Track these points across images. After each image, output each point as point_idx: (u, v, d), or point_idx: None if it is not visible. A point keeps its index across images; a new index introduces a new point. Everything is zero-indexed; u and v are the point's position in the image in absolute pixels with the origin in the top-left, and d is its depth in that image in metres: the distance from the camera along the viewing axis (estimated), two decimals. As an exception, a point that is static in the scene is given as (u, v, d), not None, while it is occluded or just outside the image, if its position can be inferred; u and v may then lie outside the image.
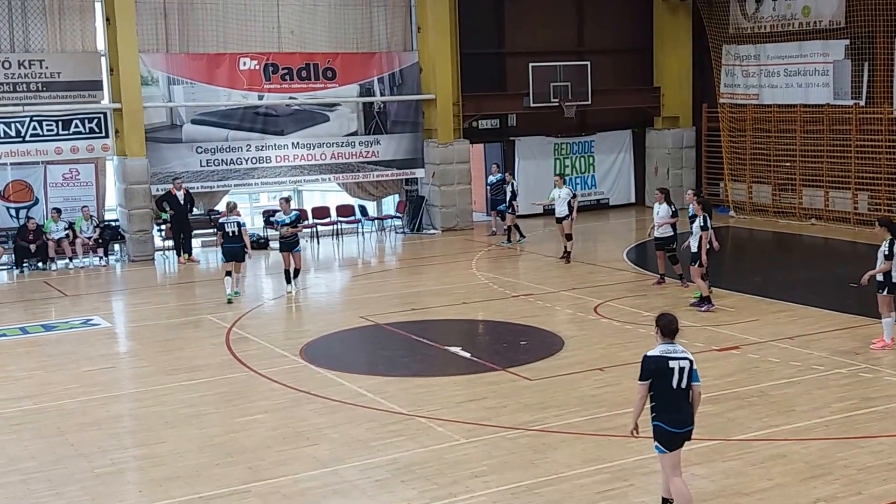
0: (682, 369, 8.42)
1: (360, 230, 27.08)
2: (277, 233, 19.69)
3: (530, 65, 27.55)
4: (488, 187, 26.86)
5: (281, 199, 19.98)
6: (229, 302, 18.37)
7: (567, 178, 24.72)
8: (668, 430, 8.46)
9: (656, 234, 18.75)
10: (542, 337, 15.52)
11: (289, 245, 19.21)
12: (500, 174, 26.12)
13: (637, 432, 8.69)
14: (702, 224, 16.89)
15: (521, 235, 24.49)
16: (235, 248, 18.58)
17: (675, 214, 18.64)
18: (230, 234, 18.53)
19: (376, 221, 27.57)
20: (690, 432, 8.60)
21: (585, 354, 14.47)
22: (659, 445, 8.57)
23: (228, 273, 18.72)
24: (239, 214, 18.99)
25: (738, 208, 28.29)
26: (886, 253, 13.78)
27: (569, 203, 21.55)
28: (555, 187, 22.32)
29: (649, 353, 8.56)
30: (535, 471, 9.98)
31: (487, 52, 28.15)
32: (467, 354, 14.57)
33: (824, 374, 13.04)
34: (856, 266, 21.23)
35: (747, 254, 24.36)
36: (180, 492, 9.82)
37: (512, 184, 25.00)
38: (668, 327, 8.52)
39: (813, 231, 25.12)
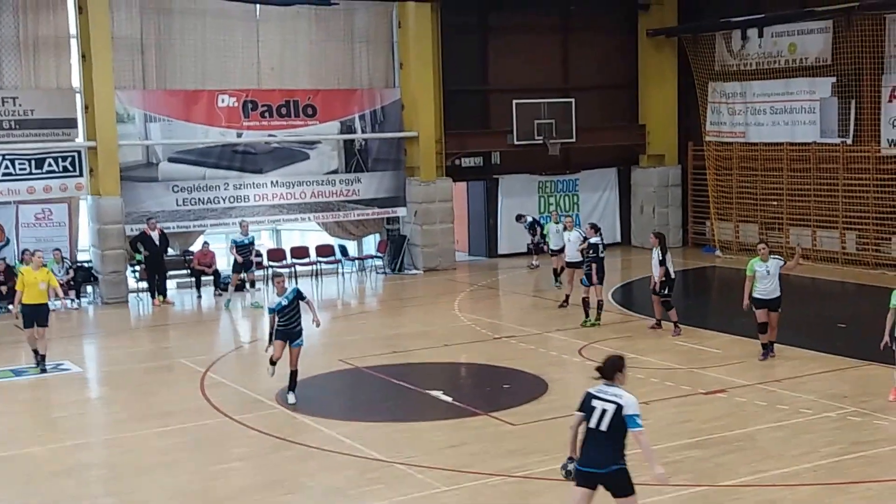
0: (604, 411, 8.18)
1: (339, 270, 26.74)
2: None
3: (514, 102, 27.39)
4: (528, 230, 26.82)
5: (277, 277, 14.89)
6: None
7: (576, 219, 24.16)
8: (577, 465, 8.30)
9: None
10: (525, 380, 15.26)
11: (286, 335, 14.32)
12: (530, 219, 26.72)
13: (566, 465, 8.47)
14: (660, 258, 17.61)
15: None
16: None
17: (662, 262, 18.07)
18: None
19: (357, 261, 27.27)
20: (597, 476, 8.18)
21: (570, 398, 14.03)
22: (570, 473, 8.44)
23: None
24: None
25: (725, 247, 28.08)
26: None
27: (583, 252, 19.47)
28: (564, 229, 21.29)
29: (589, 388, 8.43)
30: (518, 520, 9.74)
31: (471, 89, 28.00)
32: (449, 398, 14.33)
33: (812, 418, 12.83)
34: (844, 307, 21.19)
35: (734, 295, 24.00)
36: (152, 542, 9.50)
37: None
38: (602, 367, 8.43)
39: (801, 271, 24.88)
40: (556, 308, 20.59)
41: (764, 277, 15.72)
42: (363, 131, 26.37)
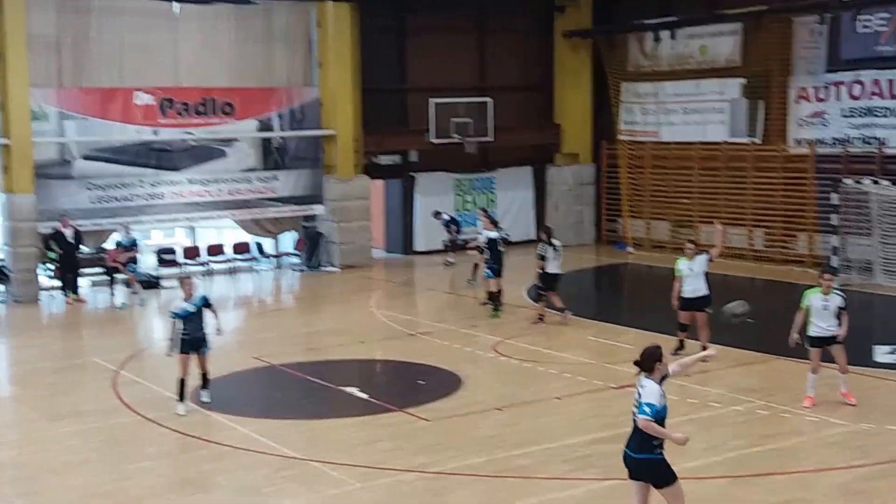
0: (636, 400, 8.48)
1: (256, 268, 26.57)
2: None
3: (432, 101, 27.51)
4: (445, 227, 26.81)
5: (185, 280, 14.21)
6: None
7: (492, 213, 24.26)
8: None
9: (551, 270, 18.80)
10: (440, 376, 15.34)
11: (192, 344, 13.81)
12: (446, 216, 26.78)
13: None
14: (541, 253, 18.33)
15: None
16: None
17: (542, 257, 18.68)
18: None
19: (273, 259, 27.11)
20: (627, 457, 8.55)
21: (484, 394, 14.37)
22: None
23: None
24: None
25: (637, 244, 28.61)
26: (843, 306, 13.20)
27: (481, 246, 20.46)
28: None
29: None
30: (431, 515, 9.80)
31: (389, 88, 28.06)
32: (364, 395, 14.34)
33: (721, 412, 13.12)
34: (754, 302, 21.63)
35: (645, 291, 24.56)
36: (62, 542, 9.34)
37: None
38: (641, 360, 8.57)
39: (710, 267, 25.39)
40: (479, 305, 20.68)
41: (689, 276, 15.83)
42: (281, 129, 26.25)
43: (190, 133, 25.05)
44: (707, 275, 15.98)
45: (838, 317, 13.01)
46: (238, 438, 12.39)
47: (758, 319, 19.01)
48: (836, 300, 13.01)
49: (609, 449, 11.57)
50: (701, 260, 15.89)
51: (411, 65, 28.35)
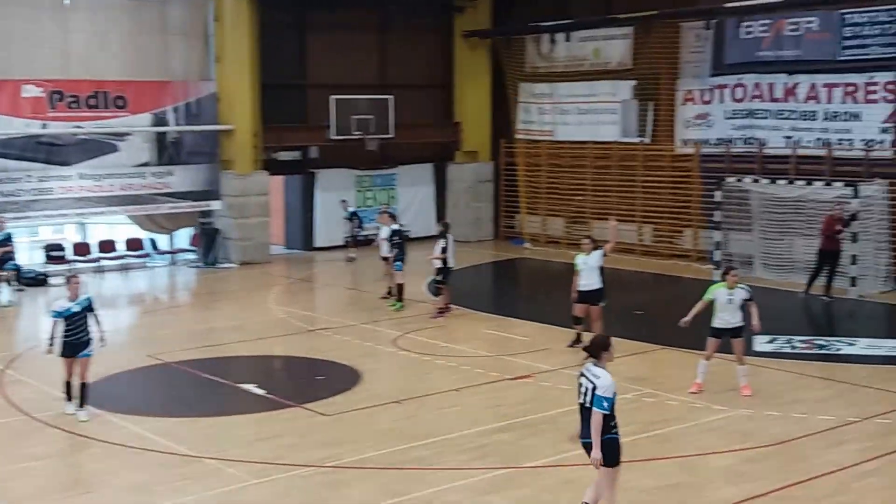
0: (586, 389, 8.90)
1: (150, 265, 26.16)
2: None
3: (332, 97, 27.47)
4: (348, 220, 26.73)
5: (72, 278, 13.48)
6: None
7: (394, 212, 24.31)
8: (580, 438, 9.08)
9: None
10: (339, 371, 15.38)
11: (73, 347, 13.27)
12: (352, 209, 26.66)
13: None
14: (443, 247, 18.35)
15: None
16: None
17: (444, 250, 18.97)
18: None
19: (168, 255, 26.73)
20: (585, 445, 8.96)
21: (383, 387, 14.48)
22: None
23: None
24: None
25: (533, 240, 29.12)
26: (748, 298, 13.70)
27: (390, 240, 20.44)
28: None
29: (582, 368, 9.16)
30: (327, 509, 9.84)
31: (289, 84, 27.91)
32: (261, 392, 14.28)
33: (612, 401, 13.43)
34: (642, 295, 22.29)
35: (541, 285, 25.00)
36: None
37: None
38: (590, 347, 9.17)
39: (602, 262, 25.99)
40: (379, 299, 20.80)
41: (584, 270, 16.20)
42: (177, 124, 25.91)
43: (80, 127, 24.55)
44: (602, 269, 16.31)
45: (743, 309, 13.55)
46: (130, 437, 12.23)
47: (645, 312, 19.60)
48: (740, 294, 13.55)
49: (505, 438, 11.90)
50: (596, 255, 16.28)
51: (311, 61, 28.25)
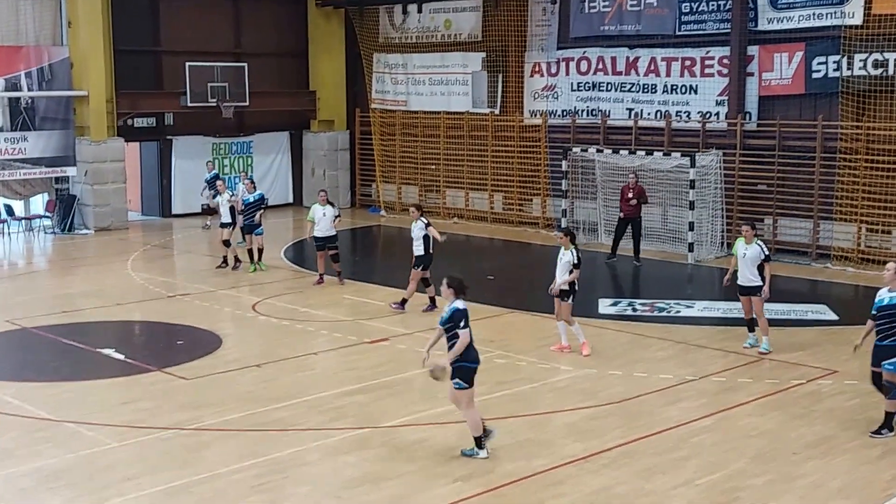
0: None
1: (5, 231, 25.58)
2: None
3: (187, 64, 27.26)
4: (205, 184, 26.22)
5: (246, 179, 21.21)
6: None
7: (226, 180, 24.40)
8: (472, 366, 10.39)
9: (318, 233, 19.07)
10: (199, 336, 15.53)
11: (250, 227, 19.87)
12: (214, 171, 26.24)
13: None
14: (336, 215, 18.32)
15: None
16: None
17: (338, 216, 19.20)
18: None
19: (24, 221, 26.16)
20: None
21: (243, 352, 14.63)
22: (461, 382, 10.31)
23: None
24: None
25: (389, 208, 29.61)
26: (575, 262, 14.12)
27: (231, 209, 20.74)
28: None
29: (461, 306, 10.41)
30: (189, 469, 10.05)
31: (143, 50, 27.58)
32: (121, 356, 14.32)
33: (463, 362, 14.01)
34: (494, 261, 23.03)
35: (397, 251, 25.39)
36: None
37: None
38: (461, 287, 10.53)
39: (455, 229, 26.75)
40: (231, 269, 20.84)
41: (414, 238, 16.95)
42: (29, 89, 25.33)
43: (-73, 91, 23.80)
44: (425, 238, 16.90)
45: (760, 268, 14.21)
46: None
47: (496, 277, 20.24)
48: (754, 250, 14.20)
49: (361, 400, 12.25)
50: (419, 224, 16.92)
51: (165, 27, 27.98)
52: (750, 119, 22.58)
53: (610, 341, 15.15)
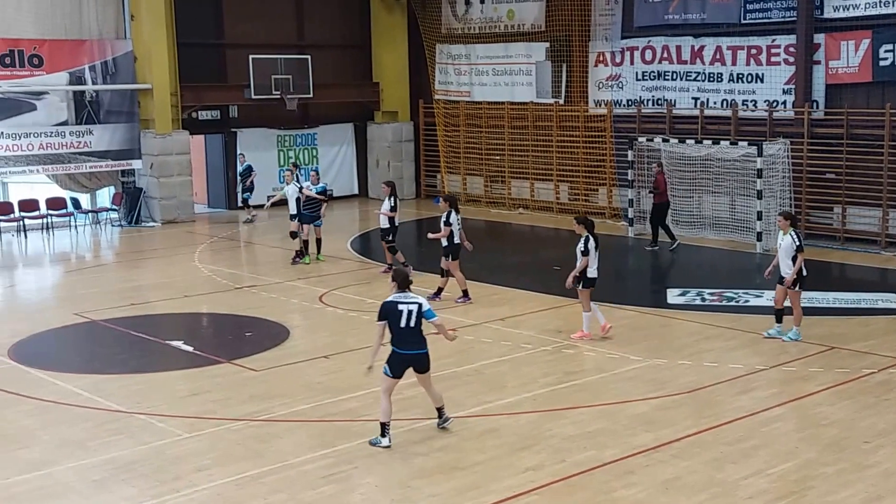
0: (410, 312, 10.39)
1: (72, 224, 25.95)
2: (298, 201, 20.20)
3: (251, 57, 27.44)
4: (239, 177, 26.46)
5: (312, 171, 22.52)
6: None
7: (302, 170, 24.49)
8: (397, 351, 10.47)
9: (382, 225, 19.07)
10: (267, 327, 15.57)
11: (311, 218, 20.19)
12: (247, 163, 26.20)
13: (371, 367, 10.56)
14: (445, 219, 17.10)
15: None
16: None
17: (394, 209, 19.00)
18: None
19: (90, 214, 26.56)
20: (419, 357, 10.56)
21: (311, 343, 14.69)
22: (387, 368, 10.48)
23: None
24: None
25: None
26: (583, 250, 14.32)
27: (297, 200, 20.71)
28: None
29: (386, 300, 10.54)
30: (259, 460, 10.07)
31: (206, 43, 27.81)
32: (190, 348, 14.40)
33: (532, 352, 13.95)
34: (559, 251, 22.88)
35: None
36: None
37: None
38: (403, 280, 10.57)
39: (521, 220, 26.64)
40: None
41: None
42: (94, 83, 25.68)
43: (-4, 85, 24.24)
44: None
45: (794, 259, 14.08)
46: (59, 394, 12.27)
47: (563, 267, 20.09)
48: (787, 241, 14.13)
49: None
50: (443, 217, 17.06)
51: (228, 20, 28.21)
52: (817, 108, 22.19)
53: (679, 331, 15.04)
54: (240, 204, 27.25)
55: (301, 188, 20.50)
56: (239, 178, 26.62)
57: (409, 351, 10.46)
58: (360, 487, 9.45)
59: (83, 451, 10.42)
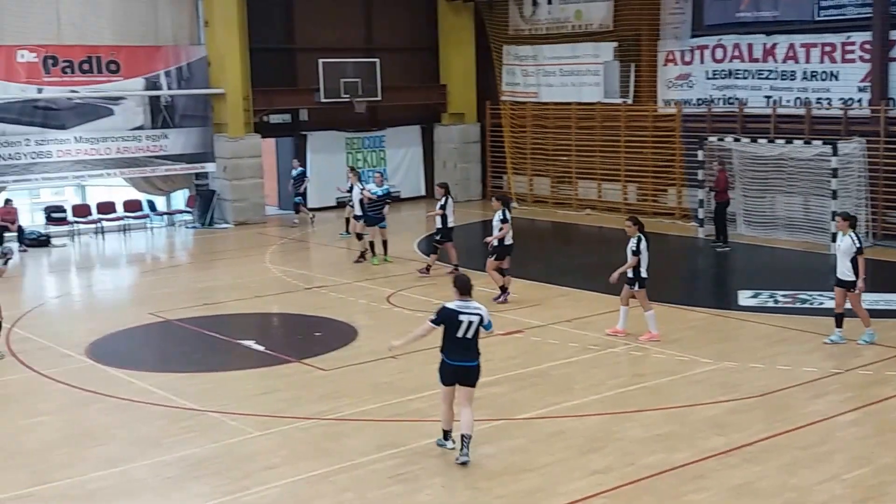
0: (470, 323, 9.98)
1: (148, 225, 26.51)
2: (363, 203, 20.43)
3: (320, 61, 27.73)
4: (291, 181, 26.85)
5: (377, 173, 22.32)
6: None
7: (361, 174, 24.72)
8: (446, 361, 10.06)
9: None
10: (335, 327, 15.69)
11: (376, 220, 20.28)
12: (301, 168, 26.38)
13: (392, 349, 10.68)
14: (501, 217, 17.19)
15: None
16: None
17: (442, 208, 19.14)
18: None
19: (166, 216, 27.09)
20: (469, 370, 10.05)
21: (378, 343, 14.52)
22: (439, 377, 10.18)
23: None
24: None
25: (520, 200, 29.44)
26: (634, 249, 14.33)
27: (361, 202, 21.04)
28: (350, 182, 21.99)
29: (447, 304, 10.09)
30: (328, 459, 10.15)
31: (277, 48, 28.17)
32: (261, 348, 14.57)
33: (599, 354, 13.87)
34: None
35: (529, 243, 25.26)
36: (-41, 498, 9.42)
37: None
38: (464, 286, 10.08)
39: (588, 220, 26.51)
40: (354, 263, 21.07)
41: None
42: (169, 87, 26.18)
43: (75, 91, 24.78)
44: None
45: (853, 261, 13.78)
46: (135, 392, 12.48)
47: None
48: (846, 242, 13.87)
49: (497, 391, 12.17)
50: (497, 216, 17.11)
51: (299, 24, 28.51)
52: (894, 105, 21.74)
53: (750, 334, 14.83)
54: (294, 208, 27.10)
55: (362, 190, 20.67)
56: (292, 182, 26.82)
57: (458, 362, 10.02)
58: (427, 488, 9.47)
59: (157, 448, 10.59)
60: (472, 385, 10.11)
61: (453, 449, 10.14)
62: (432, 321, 10.12)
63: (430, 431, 10.82)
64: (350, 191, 21.99)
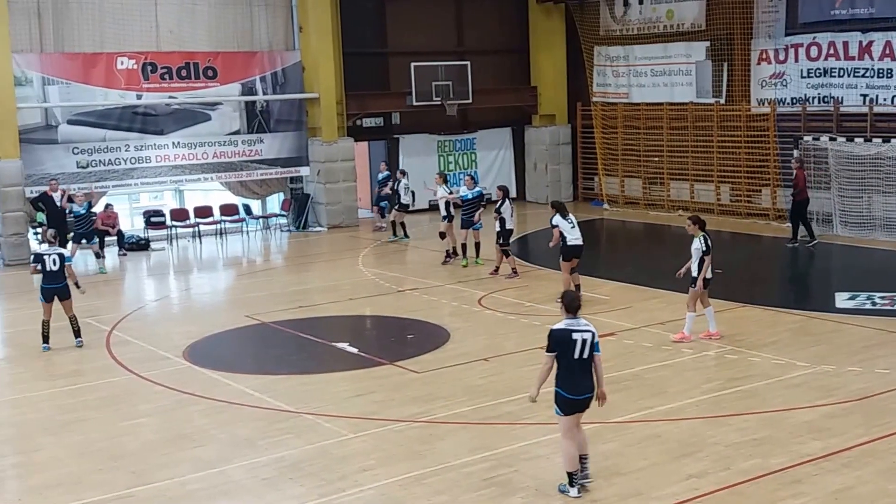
0: (584, 341, 9.20)
1: (244, 229, 27.00)
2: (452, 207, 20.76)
3: (412, 64, 27.98)
4: (378, 184, 27.14)
5: (467, 175, 22.19)
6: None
7: (448, 177, 25.00)
8: (566, 396, 9.20)
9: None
10: (428, 330, 15.77)
11: (469, 223, 20.29)
12: (386, 172, 26.61)
13: (535, 400, 9.45)
14: (553, 223, 17.27)
15: (405, 235, 24.81)
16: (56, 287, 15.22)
17: (497, 210, 19.41)
18: (49, 271, 15.19)
19: (261, 220, 27.56)
20: (589, 400, 9.31)
21: (470, 346, 14.76)
22: (557, 409, 9.31)
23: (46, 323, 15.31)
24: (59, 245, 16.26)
25: (612, 201, 29.35)
26: (704, 249, 14.19)
27: (447, 203, 21.39)
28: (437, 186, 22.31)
29: (554, 327, 9.30)
30: (422, 461, 10.20)
31: (370, 52, 28.45)
32: (354, 350, 14.69)
33: (693, 357, 13.72)
34: (721, 254, 22.31)
35: (621, 245, 25.25)
36: (62, 499, 9.62)
37: (399, 181, 25.19)
38: (571, 304, 9.33)
39: (680, 222, 26.08)
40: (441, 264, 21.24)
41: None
42: (264, 93, 26.64)
43: (174, 97, 25.40)
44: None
45: None
46: (232, 394, 12.65)
47: (725, 270, 19.69)
48: None
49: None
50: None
51: (391, 29, 28.78)
52: None
53: (848, 336, 14.51)
54: (374, 211, 27.40)
55: (450, 192, 20.74)
56: (378, 185, 26.99)
57: (577, 396, 9.18)
58: (520, 491, 9.47)
59: (254, 449, 10.70)
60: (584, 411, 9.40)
61: (578, 497, 9.25)
62: (547, 351, 9.26)
63: (523, 434, 10.85)
64: (436, 193, 22.30)
